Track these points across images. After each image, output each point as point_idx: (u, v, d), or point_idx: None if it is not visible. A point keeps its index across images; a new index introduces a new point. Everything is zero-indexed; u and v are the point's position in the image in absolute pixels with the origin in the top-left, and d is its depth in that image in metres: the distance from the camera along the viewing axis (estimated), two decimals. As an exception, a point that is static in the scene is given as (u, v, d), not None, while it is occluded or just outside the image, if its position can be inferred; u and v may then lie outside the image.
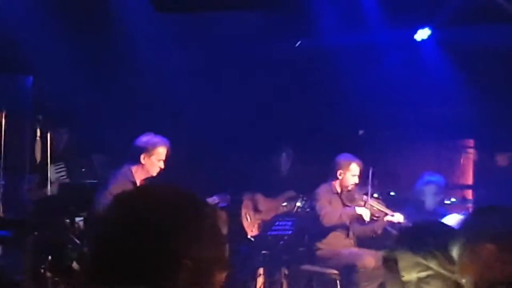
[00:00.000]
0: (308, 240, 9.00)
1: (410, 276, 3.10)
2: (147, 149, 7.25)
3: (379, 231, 8.96)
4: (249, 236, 9.27)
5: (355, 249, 8.88)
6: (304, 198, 9.29)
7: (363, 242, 9.04)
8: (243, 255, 9.01)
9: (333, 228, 8.78)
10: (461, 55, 10.07)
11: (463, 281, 2.88)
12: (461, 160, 11.14)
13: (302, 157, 10.41)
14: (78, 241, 7.46)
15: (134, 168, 7.25)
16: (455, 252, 2.91)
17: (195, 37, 10.08)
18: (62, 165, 9.26)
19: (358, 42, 10.12)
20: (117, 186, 6.72)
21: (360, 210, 8.72)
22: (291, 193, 9.65)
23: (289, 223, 9.22)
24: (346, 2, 9.74)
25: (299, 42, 10.59)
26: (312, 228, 8.87)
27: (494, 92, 10.06)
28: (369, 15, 9.83)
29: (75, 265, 7.01)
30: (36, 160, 8.56)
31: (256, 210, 9.52)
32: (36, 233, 7.89)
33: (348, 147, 9.39)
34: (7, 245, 8.27)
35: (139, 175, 7.25)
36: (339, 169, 8.90)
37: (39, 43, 9.21)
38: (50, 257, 7.61)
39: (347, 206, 8.93)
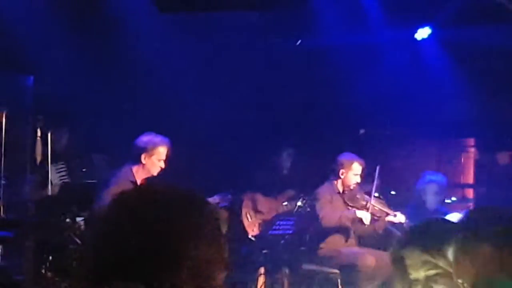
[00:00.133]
0: (309, 240, 8.99)
1: (418, 274, 3.08)
2: (147, 149, 7.25)
3: (380, 231, 8.96)
4: (250, 236, 9.27)
5: (356, 248, 8.87)
6: (305, 198, 9.28)
7: (364, 241, 9.03)
8: (244, 254, 9.01)
9: (333, 230, 8.77)
10: (462, 54, 10.07)
11: (459, 281, 2.86)
12: (462, 159, 11.15)
13: (303, 156, 10.40)
14: (79, 241, 7.46)
15: (134, 168, 7.24)
16: (450, 253, 2.90)
17: (196, 36, 10.08)
18: (63, 165, 9.25)
19: (358, 41, 10.12)
20: (117, 186, 6.71)
21: (360, 214, 8.69)
22: (292, 193, 9.64)
23: (290, 222, 9.22)
24: (347, 1, 9.75)
25: (299, 41, 10.59)
26: (313, 227, 8.86)
27: (495, 91, 10.06)
28: (369, 14, 9.84)
29: (75, 265, 7.01)
30: (36, 160, 8.55)
31: (256, 209, 9.52)
32: (37, 233, 7.89)
33: (349, 146, 9.40)
34: (8, 245, 8.27)
35: (139, 175, 7.24)
36: (341, 168, 8.88)
37: (40, 43, 9.21)
38: (51, 257, 7.61)
39: (349, 205, 8.91)
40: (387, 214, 8.87)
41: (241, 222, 9.33)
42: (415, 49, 10.55)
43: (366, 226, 8.74)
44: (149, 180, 7.30)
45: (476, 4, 9.31)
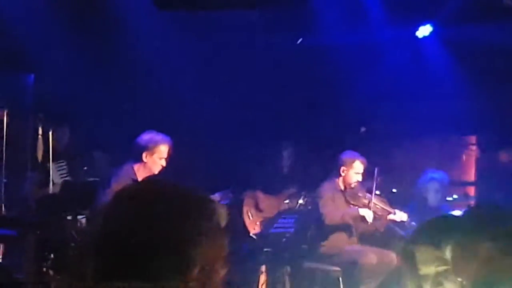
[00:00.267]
0: (311, 237, 8.99)
1: (428, 270, 3.07)
2: (149, 147, 7.24)
3: (382, 229, 8.96)
4: (251, 234, 9.26)
5: (358, 246, 8.87)
6: (307, 195, 9.28)
7: (366, 239, 9.03)
8: (245, 253, 9.00)
9: (335, 228, 8.77)
10: (463, 51, 10.06)
11: (459, 280, 2.85)
12: (464, 157, 11.13)
13: (305, 154, 10.40)
14: (80, 239, 7.45)
15: (136, 166, 7.23)
16: (448, 251, 2.89)
17: (196, 35, 10.08)
18: (64, 163, 9.25)
19: (359, 39, 10.11)
20: (119, 184, 6.70)
21: (363, 212, 8.70)
22: (293, 190, 9.64)
23: (291, 220, 9.21)
24: (348, -1, 9.76)
25: (300, 39, 10.58)
26: (315, 225, 8.86)
27: (496, 89, 10.05)
28: (370, 12, 9.83)
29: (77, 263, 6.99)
30: (38, 159, 8.56)
31: (257, 208, 9.51)
32: (38, 231, 7.89)
33: (350, 144, 9.39)
34: (9, 244, 8.28)
35: (141, 173, 7.24)
36: (342, 166, 8.88)
37: (41, 41, 9.21)
38: (52, 256, 7.61)
39: (350, 203, 8.91)
40: (389, 213, 8.87)
41: (242, 221, 9.32)
42: (416, 47, 10.54)
43: (368, 224, 8.74)
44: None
45: (477, 1, 9.31)
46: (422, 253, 3.08)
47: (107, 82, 9.80)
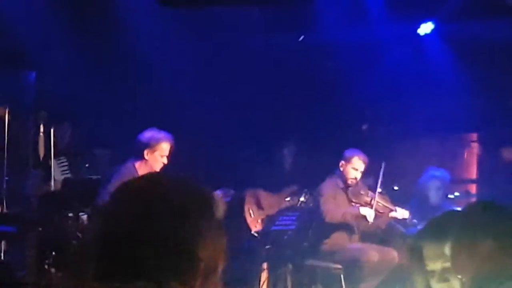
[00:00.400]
0: (312, 235, 8.98)
1: (435, 265, 3.07)
2: (150, 145, 7.23)
3: (383, 227, 8.96)
4: (252, 232, 9.26)
5: (359, 244, 8.87)
6: (308, 193, 9.28)
7: (367, 237, 9.03)
8: (247, 250, 9.00)
9: (337, 226, 8.76)
10: (465, 49, 10.05)
11: (459, 277, 2.85)
12: (465, 155, 11.12)
13: (306, 151, 10.40)
14: (82, 237, 7.46)
15: (137, 164, 7.22)
16: (447, 248, 2.88)
17: (197, 33, 10.07)
18: (65, 160, 9.26)
19: (361, 37, 10.09)
20: (120, 182, 6.69)
21: (364, 211, 8.68)
22: (294, 188, 9.64)
23: (293, 218, 9.21)
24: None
25: (302, 37, 10.58)
26: (316, 223, 8.86)
27: (498, 86, 10.05)
28: (372, 9, 9.82)
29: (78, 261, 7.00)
30: (39, 156, 8.57)
31: (259, 205, 9.51)
32: (40, 228, 7.90)
33: (352, 142, 9.39)
34: (11, 241, 8.28)
35: (142, 171, 7.22)
36: (341, 161, 8.89)
37: (42, 39, 9.20)
38: (54, 253, 7.62)
39: (352, 201, 8.90)
40: (391, 210, 8.87)
41: (243, 218, 9.32)
42: (418, 44, 10.54)
43: (370, 223, 8.73)
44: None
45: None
46: (429, 249, 3.07)
47: (108, 80, 9.80)
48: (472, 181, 11.18)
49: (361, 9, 9.80)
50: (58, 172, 8.99)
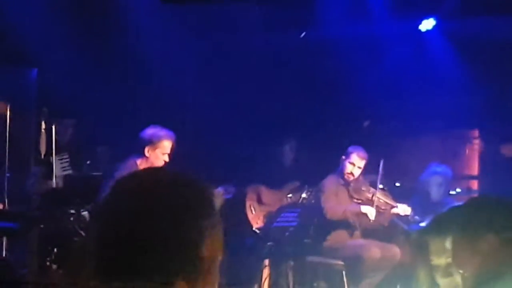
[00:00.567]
0: (314, 232, 8.98)
1: (439, 260, 3.06)
2: (152, 142, 7.22)
3: (386, 224, 8.95)
4: (254, 228, 9.26)
5: (361, 240, 8.87)
6: (310, 189, 9.28)
7: (369, 233, 9.03)
8: (248, 247, 9.01)
9: (338, 222, 8.77)
10: (466, 45, 10.04)
11: (460, 272, 2.84)
12: (467, 151, 11.12)
13: (307, 148, 10.39)
14: (83, 234, 7.46)
15: (139, 161, 7.22)
16: (448, 243, 2.87)
17: (199, 29, 10.07)
18: (66, 156, 9.26)
19: (362, 33, 10.09)
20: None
21: (365, 209, 8.68)
22: (296, 184, 9.64)
23: (294, 214, 9.22)
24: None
25: (303, 33, 10.57)
26: (318, 219, 8.86)
27: (500, 83, 10.04)
28: (373, 5, 9.82)
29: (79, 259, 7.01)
30: (41, 153, 8.56)
31: (260, 202, 9.52)
32: (41, 225, 7.90)
33: (353, 139, 9.39)
34: (12, 238, 8.28)
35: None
36: (342, 156, 8.92)
37: (44, 35, 9.20)
38: (55, 250, 7.62)
39: (354, 198, 8.91)
40: (392, 207, 8.87)
41: (245, 215, 9.32)
42: (419, 40, 10.53)
43: (371, 221, 8.73)
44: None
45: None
46: (434, 244, 3.07)
47: (110, 77, 9.79)
48: (474, 178, 11.18)
49: (362, 5, 9.80)
50: (59, 169, 8.98)
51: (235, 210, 9.14)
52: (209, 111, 10.00)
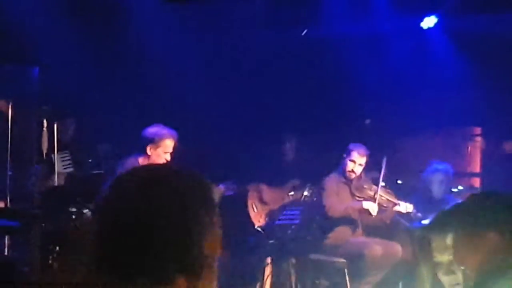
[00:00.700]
0: (316, 229, 8.98)
1: (442, 258, 3.06)
2: (153, 141, 7.23)
3: (388, 221, 8.95)
4: (256, 227, 9.26)
5: (363, 238, 8.87)
6: (312, 187, 9.28)
7: (371, 231, 9.03)
8: (250, 245, 9.01)
9: (340, 220, 8.77)
10: (468, 42, 10.03)
11: (462, 268, 2.83)
12: (469, 148, 11.10)
13: (309, 146, 10.38)
14: (83, 231, 7.45)
15: (141, 159, 7.22)
16: (449, 238, 2.86)
17: (202, 26, 10.07)
18: (68, 154, 9.26)
19: (364, 30, 10.09)
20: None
21: (367, 205, 8.69)
22: (297, 182, 9.63)
23: (296, 212, 9.22)
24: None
25: (305, 31, 10.56)
26: (320, 217, 8.86)
27: (502, 80, 10.02)
28: (375, 3, 9.81)
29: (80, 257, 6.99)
30: (42, 151, 8.56)
31: (262, 200, 9.51)
32: (43, 224, 7.90)
33: (355, 136, 9.39)
34: (14, 236, 8.28)
35: (145, 166, 7.21)
36: (343, 154, 8.95)
37: (46, 34, 9.20)
38: (57, 248, 7.62)
39: (356, 195, 8.91)
40: (394, 204, 8.86)
41: (247, 213, 9.32)
42: (421, 38, 10.52)
43: (373, 216, 8.73)
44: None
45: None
46: (436, 241, 3.06)
47: (112, 75, 9.79)
48: (476, 175, 11.17)
49: (363, 3, 9.79)
50: (60, 167, 8.99)
51: (237, 208, 9.14)
52: (211, 109, 10.00)
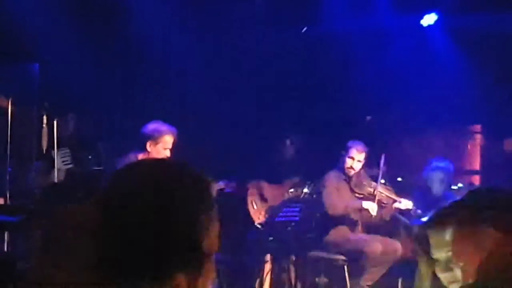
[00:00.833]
0: (316, 226, 8.99)
1: (439, 254, 3.05)
2: (153, 137, 7.23)
3: (387, 218, 8.95)
4: (256, 224, 9.26)
5: (363, 235, 8.88)
6: (312, 184, 9.28)
7: (371, 228, 9.04)
8: (250, 242, 9.01)
9: (339, 220, 8.78)
10: (468, 40, 10.04)
11: (461, 264, 2.82)
12: (469, 146, 11.11)
13: (309, 143, 10.39)
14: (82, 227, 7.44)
15: (140, 156, 7.22)
16: (448, 234, 2.85)
17: (202, 22, 10.06)
18: (67, 151, 9.25)
19: (364, 28, 10.09)
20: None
21: (367, 205, 8.70)
22: (297, 179, 9.63)
23: (297, 209, 9.21)
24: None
25: (305, 28, 10.56)
26: (320, 214, 8.86)
27: (502, 78, 10.03)
28: (375, 0, 9.81)
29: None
30: (42, 148, 8.55)
31: (262, 197, 9.51)
32: (43, 220, 7.89)
33: (355, 133, 9.39)
34: (14, 232, 8.28)
35: (145, 163, 7.20)
36: (343, 151, 8.97)
37: (45, 30, 9.19)
38: (57, 245, 7.60)
39: (356, 192, 8.92)
40: (394, 201, 8.87)
41: (247, 210, 9.32)
42: (421, 35, 10.51)
43: (373, 216, 8.73)
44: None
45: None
46: (434, 237, 3.06)
47: (112, 72, 9.79)
48: (476, 172, 11.18)
49: (364, 0, 9.79)
50: (60, 163, 8.98)
51: (237, 205, 9.14)
52: (211, 105, 10.00)
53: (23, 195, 8.62)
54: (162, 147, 7.26)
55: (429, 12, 10.21)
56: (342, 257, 8.59)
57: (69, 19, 9.23)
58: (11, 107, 8.49)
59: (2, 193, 8.28)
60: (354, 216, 8.84)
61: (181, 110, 9.64)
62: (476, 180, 10.99)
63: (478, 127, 11.28)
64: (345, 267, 8.56)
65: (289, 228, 9.00)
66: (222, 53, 10.31)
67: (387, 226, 9.06)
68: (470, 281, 2.76)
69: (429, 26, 10.37)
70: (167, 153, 7.27)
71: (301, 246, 8.91)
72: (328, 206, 8.69)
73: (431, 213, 3.76)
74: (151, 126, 7.31)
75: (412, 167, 9.84)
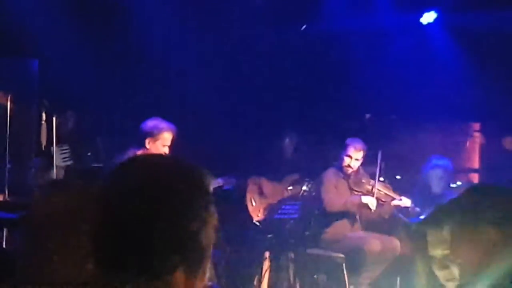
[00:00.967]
0: (314, 224, 8.99)
1: (435, 252, 3.05)
2: (152, 134, 7.23)
3: (386, 216, 8.95)
4: (254, 221, 9.26)
5: (361, 233, 8.88)
6: (311, 182, 9.28)
7: (370, 226, 9.03)
8: (249, 239, 9.00)
9: (339, 215, 8.78)
10: (468, 38, 10.04)
11: (458, 262, 2.82)
12: (468, 144, 11.11)
13: (308, 140, 10.39)
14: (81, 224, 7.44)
15: (139, 153, 7.21)
16: (445, 232, 2.85)
17: (202, 20, 10.06)
18: (67, 147, 9.25)
19: (364, 26, 10.08)
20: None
21: (366, 199, 8.70)
22: (296, 177, 9.63)
23: (295, 207, 9.21)
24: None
25: (304, 26, 10.56)
26: (318, 212, 8.86)
27: (501, 75, 10.03)
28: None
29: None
30: (41, 144, 8.55)
31: (261, 194, 9.51)
32: (39, 216, 7.88)
33: (354, 131, 9.39)
34: (13, 229, 8.28)
35: (144, 160, 7.20)
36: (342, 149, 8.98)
37: (45, 26, 9.19)
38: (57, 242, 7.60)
39: (354, 190, 8.92)
40: (393, 199, 8.87)
41: (245, 207, 9.32)
42: (420, 33, 10.51)
43: (372, 211, 8.74)
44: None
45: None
46: (431, 235, 3.06)
47: (112, 68, 9.78)
48: (475, 171, 11.19)
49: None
50: (59, 160, 8.98)
51: (236, 202, 9.14)
52: (210, 103, 10.00)
53: (22, 192, 8.61)
54: (161, 144, 7.26)
55: (428, 10, 10.21)
56: (341, 255, 8.58)
57: (69, 17, 9.24)
58: (10, 103, 8.49)
59: (1, 189, 8.28)
60: (353, 212, 8.83)
61: (181, 108, 9.64)
62: (475, 178, 11.00)
63: (477, 125, 11.28)
64: (344, 264, 8.55)
65: (287, 225, 9.01)
66: (222, 52, 10.31)
67: (386, 224, 9.05)
68: (468, 278, 2.76)
69: (429, 24, 10.37)
70: (166, 150, 7.27)
71: (300, 243, 8.91)
72: (327, 202, 8.69)
73: (425, 213, 3.76)
74: (150, 123, 7.31)
75: (411, 165, 9.84)
